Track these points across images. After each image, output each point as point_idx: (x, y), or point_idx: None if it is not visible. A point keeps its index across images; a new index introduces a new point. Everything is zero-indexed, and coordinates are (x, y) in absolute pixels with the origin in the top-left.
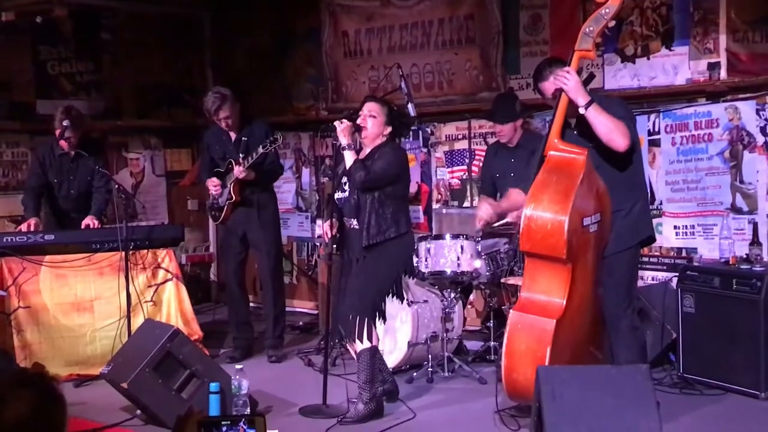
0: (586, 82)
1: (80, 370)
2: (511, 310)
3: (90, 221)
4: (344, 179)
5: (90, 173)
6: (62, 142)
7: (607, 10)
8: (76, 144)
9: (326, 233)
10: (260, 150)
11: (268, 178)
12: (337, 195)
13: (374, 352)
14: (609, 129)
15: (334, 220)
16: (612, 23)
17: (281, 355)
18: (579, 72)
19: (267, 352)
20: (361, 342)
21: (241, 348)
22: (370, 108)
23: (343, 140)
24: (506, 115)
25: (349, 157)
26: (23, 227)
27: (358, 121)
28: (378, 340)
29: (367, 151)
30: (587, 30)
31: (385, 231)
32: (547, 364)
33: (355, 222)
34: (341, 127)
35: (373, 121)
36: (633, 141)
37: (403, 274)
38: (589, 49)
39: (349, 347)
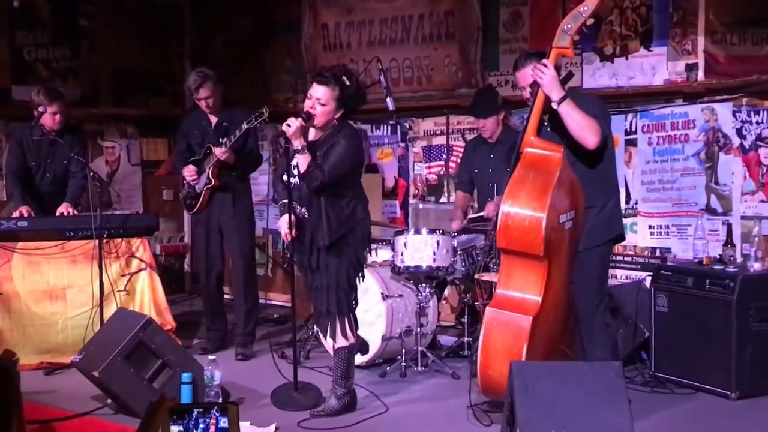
0: (564, 81)
1: (51, 358)
2: (487, 307)
3: (65, 209)
4: (294, 163)
5: (67, 158)
6: (48, 120)
7: (586, 8)
8: (63, 123)
9: (286, 235)
10: (244, 126)
11: (247, 163)
12: (286, 178)
13: (351, 350)
14: (580, 126)
15: (291, 216)
16: (590, 21)
17: (250, 353)
18: (557, 70)
19: (235, 349)
20: (335, 341)
21: (215, 339)
22: (319, 95)
23: (296, 143)
24: (488, 109)
25: (303, 162)
26: (15, 215)
27: (307, 108)
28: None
29: (318, 136)
30: (565, 27)
31: (345, 223)
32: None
33: (306, 211)
34: (291, 130)
35: (322, 109)
36: (605, 139)
37: (364, 252)
38: (567, 47)
39: (324, 342)
